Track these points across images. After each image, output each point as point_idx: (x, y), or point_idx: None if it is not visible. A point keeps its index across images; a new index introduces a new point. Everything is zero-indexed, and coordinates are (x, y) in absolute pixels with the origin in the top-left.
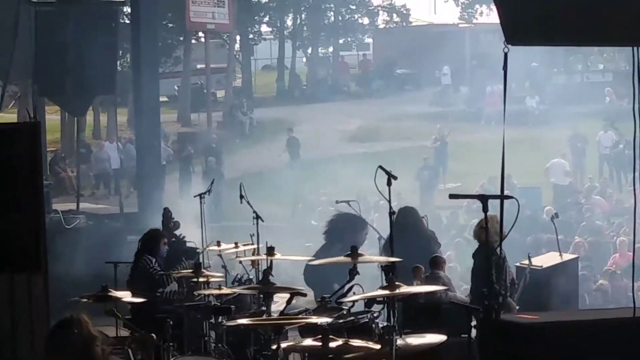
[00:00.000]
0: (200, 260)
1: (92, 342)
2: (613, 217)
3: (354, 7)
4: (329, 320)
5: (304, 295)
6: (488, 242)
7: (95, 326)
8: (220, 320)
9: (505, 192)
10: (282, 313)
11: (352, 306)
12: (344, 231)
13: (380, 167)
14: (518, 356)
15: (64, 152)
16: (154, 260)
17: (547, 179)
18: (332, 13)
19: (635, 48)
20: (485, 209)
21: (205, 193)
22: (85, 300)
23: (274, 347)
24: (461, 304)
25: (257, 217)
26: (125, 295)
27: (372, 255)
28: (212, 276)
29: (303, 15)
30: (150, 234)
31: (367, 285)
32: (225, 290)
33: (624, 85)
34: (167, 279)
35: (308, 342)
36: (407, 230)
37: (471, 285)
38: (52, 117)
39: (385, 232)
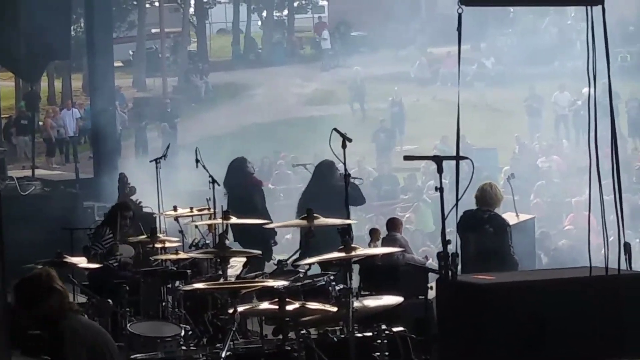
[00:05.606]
0: (157, 225)
1: (49, 295)
2: (569, 177)
3: None
4: (286, 283)
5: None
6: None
7: None
8: (177, 285)
9: (461, 153)
10: (238, 277)
11: (309, 269)
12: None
13: (335, 129)
14: (475, 316)
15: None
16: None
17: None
18: None
19: (589, 8)
20: (440, 170)
21: (161, 158)
22: (40, 266)
23: (231, 311)
24: (418, 265)
25: (214, 181)
26: (81, 262)
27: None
28: (169, 241)
29: None
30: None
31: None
32: (181, 255)
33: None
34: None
35: (265, 305)
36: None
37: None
38: (6, 83)
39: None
